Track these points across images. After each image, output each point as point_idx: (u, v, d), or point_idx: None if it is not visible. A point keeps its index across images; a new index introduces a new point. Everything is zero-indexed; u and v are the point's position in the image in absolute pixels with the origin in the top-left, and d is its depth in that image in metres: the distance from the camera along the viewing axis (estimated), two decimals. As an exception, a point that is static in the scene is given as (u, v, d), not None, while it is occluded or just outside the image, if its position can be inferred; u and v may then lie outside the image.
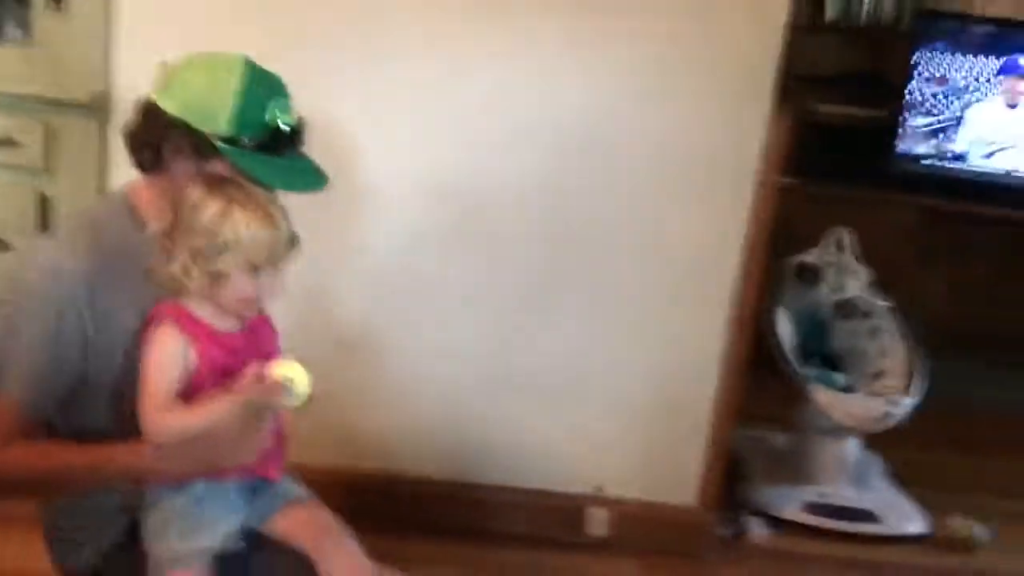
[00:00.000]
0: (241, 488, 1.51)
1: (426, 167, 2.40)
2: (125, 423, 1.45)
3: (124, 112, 2.26)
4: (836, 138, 3.30)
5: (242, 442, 1.43)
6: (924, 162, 3.45)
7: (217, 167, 1.46)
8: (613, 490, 2.61)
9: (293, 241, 1.45)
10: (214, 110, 1.45)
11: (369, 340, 2.49)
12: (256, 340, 1.52)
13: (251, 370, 1.40)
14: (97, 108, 2.29)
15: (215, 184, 1.43)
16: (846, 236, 2.99)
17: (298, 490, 1.61)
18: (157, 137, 1.48)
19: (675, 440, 2.57)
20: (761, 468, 2.95)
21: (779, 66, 2.33)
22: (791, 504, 2.85)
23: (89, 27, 2.27)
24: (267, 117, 1.47)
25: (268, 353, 1.51)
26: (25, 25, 2.35)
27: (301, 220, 1.48)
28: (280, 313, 1.56)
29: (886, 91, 3.53)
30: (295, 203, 1.49)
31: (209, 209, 1.39)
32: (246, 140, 1.46)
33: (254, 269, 1.41)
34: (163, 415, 1.38)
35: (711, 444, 2.56)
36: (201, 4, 2.30)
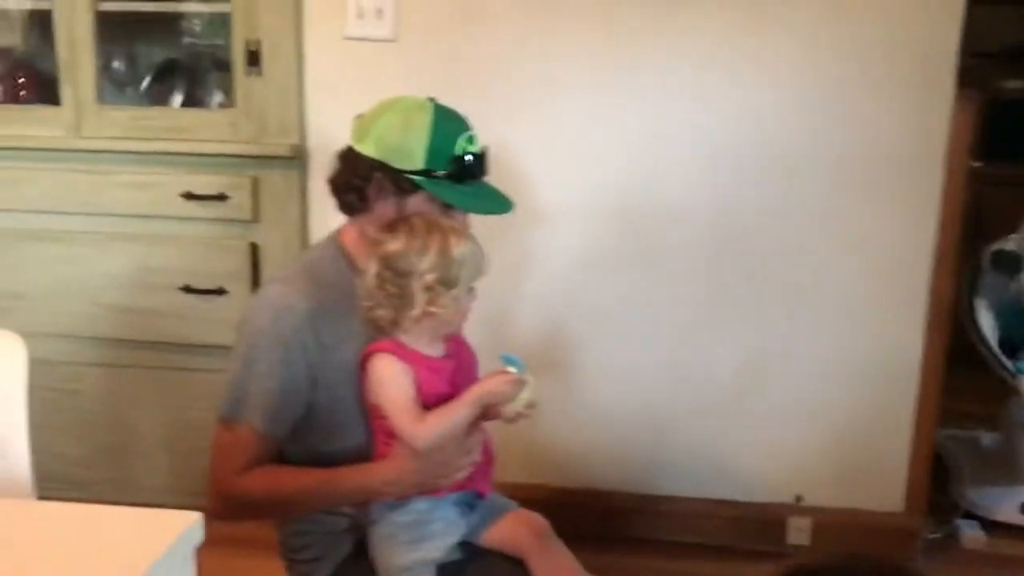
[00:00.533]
0: (458, 502, 1.62)
1: (598, 188, 2.47)
2: (348, 450, 1.59)
3: (320, 162, 2.51)
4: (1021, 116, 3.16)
5: (459, 459, 1.55)
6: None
7: (417, 202, 1.58)
8: (813, 498, 2.57)
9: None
10: (410, 148, 1.57)
11: (553, 361, 2.57)
12: (461, 363, 1.62)
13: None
14: (296, 160, 2.48)
15: (408, 224, 1.54)
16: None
17: (507, 501, 1.70)
18: (361, 180, 1.61)
19: (876, 444, 2.52)
20: (970, 469, 2.83)
21: (958, 45, 2.27)
22: (1005, 505, 2.73)
23: (284, 88, 2.47)
24: (456, 149, 1.58)
25: (474, 375, 1.62)
26: (228, 90, 2.58)
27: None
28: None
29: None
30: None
31: (430, 248, 1.51)
32: (439, 172, 1.58)
33: (470, 288, 1.55)
34: (422, 424, 1.50)
35: (915, 445, 2.49)
36: (380, 59, 2.46)
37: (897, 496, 2.55)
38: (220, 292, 2.54)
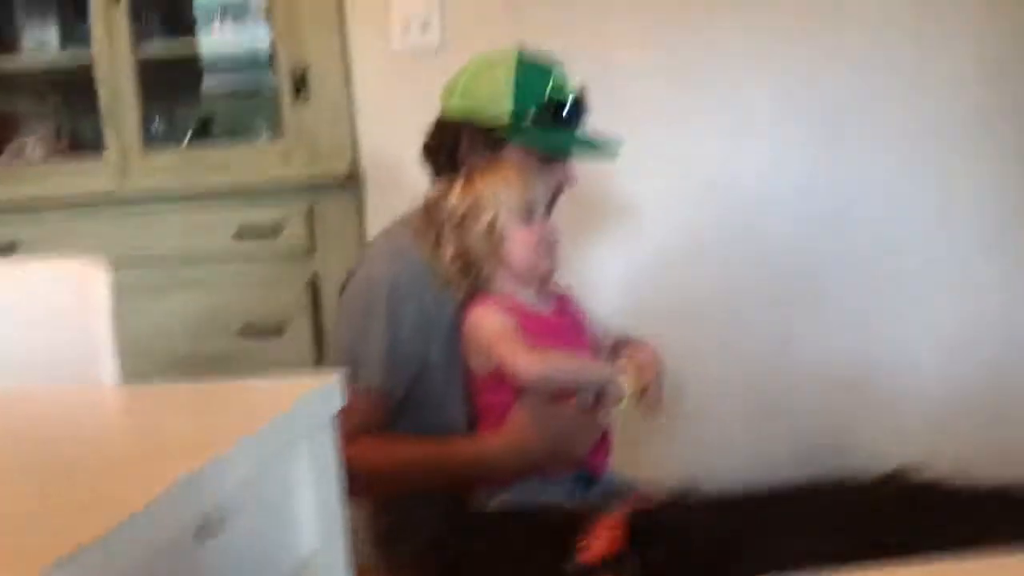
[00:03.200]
0: (572, 483, 1.43)
1: (680, 179, 2.35)
2: (461, 427, 1.43)
3: (376, 183, 2.41)
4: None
5: (582, 432, 1.39)
6: None
7: (512, 156, 1.48)
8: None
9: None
10: (495, 100, 1.49)
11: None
12: (568, 316, 1.49)
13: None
14: (351, 183, 2.38)
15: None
16: None
17: (624, 480, 1.52)
18: (451, 140, 1.51)
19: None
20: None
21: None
22: None
23: (335, 111, 2.38)
24: (546, 96, 1.48)
25: (582, 329, 1.48)
26: (274, 126, 2.50)
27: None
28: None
29: None
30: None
31: (453, 191, 1.44)
32: (531, 121, 1.48)
33: (523, 215, 1.41)
34: (532, 353, 1.34)
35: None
36: (430, 70, 2.35)
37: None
38: (279, 332, 2.39)
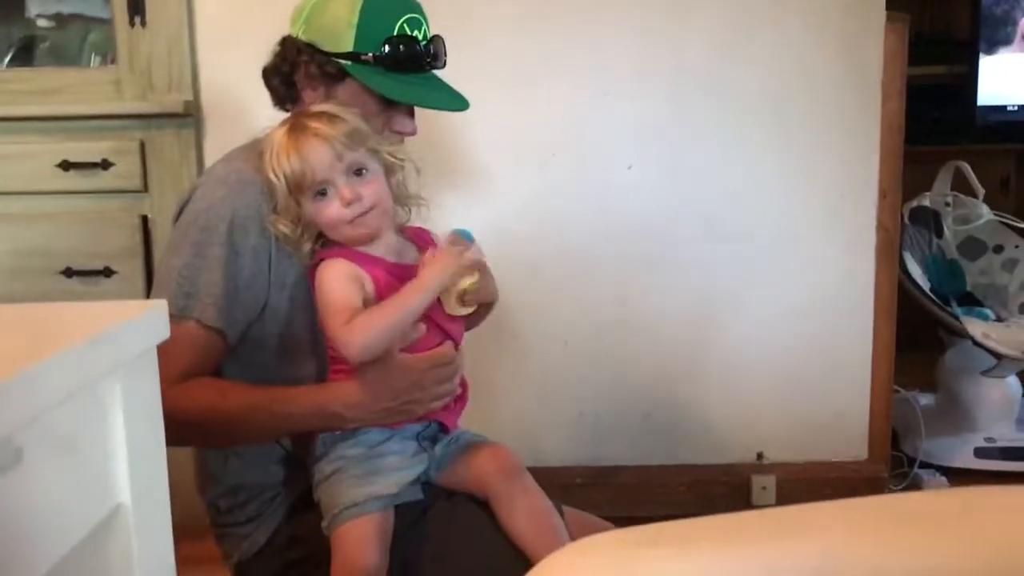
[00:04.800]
0: (418, 436, 1.36)
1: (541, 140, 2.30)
2: (302, 380, 1.34)
3: (216, 119, 2.26)
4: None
5: (435, 385, 1.30)
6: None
7: (347, 91, 1.38)
8: (775, 455, 2.41)
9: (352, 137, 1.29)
10: (338, 27, 1.38)
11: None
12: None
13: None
14: (189, 118, 2.23)
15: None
16: (964, 167, 2.82)
17: (476, 436, 1.44)
18: (289, 66, 1.41)
19: (834, 388, 2.40)
20: (922, 425, 2.74)
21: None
22: (960, 453, 2.66)
23: (173, 38, 2.22)
24: (394, 30, 1.38)
25: None
26: (106, 53, 2.31)
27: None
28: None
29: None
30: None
31: (274, 153, 1.29)
32: (374, 57, 1.37)
33: (316, 194, 1.28)
34: (354, 324, 1.22)
35: (875, 385, 2.39)
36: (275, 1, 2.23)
37: (859, 445, 2.42)
38: (107, 273, 2.23)
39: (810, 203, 2.33)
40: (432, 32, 1.43)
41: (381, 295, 1.27)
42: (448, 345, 1.33)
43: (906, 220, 2.86)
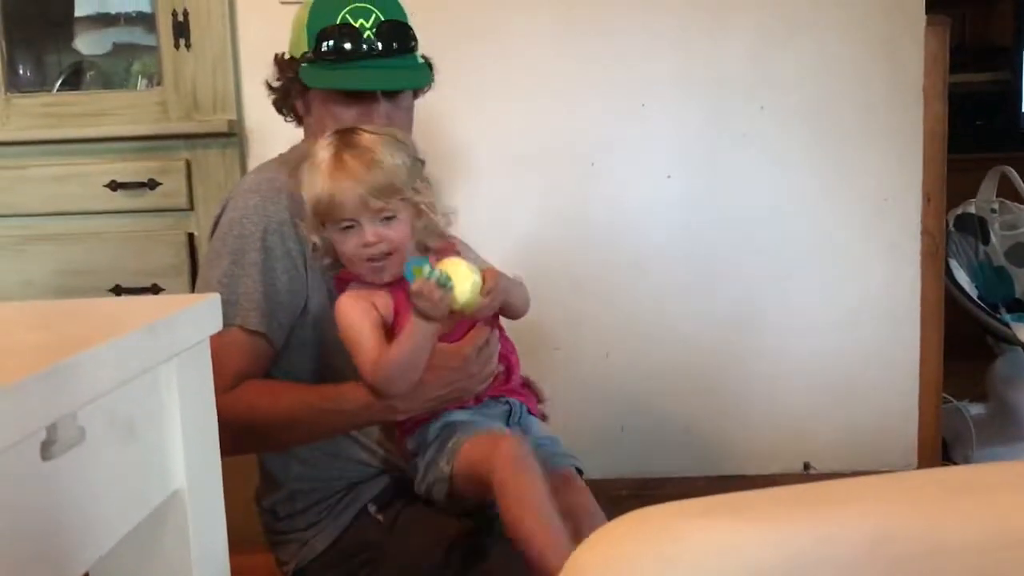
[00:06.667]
0: (508, 420, 1.37)
1: (567, 145, 2.31)
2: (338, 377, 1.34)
3: (259, 137, 2.29)
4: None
5: (480, 367, 1.31)
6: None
7: (315, 99, 1.39)
8: (823, 465, 2.38)
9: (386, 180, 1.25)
10: (298, 32, 1.40)
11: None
12: None
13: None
14: (233, 137, 2.26)
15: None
16: (1011, 172, 2.78)
17: (562, 454, 1.43)
18: (283, 84, 1.44)
19: (882, 397, 2.36)
20: (972, 434, 2.70)
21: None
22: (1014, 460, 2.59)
23: (215, 61, 2.26)
24: (337, 20, 1.36)
25: None
26: (153, 75, 2.36)
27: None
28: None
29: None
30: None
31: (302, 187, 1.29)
32: (313, 53, 1.36)
33: (341, 227, 1.26)
34: (377, 371, 1.25)
35: (923, 393, 2.35)
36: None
37: (909, 453, 2.38)
38: (155, 291, 2.26)
39: (852, 209, 2.31)
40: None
41: (399, 311, 1.28)
42: (481, 327, 1.32)
43: (951, 228, 2.83)
